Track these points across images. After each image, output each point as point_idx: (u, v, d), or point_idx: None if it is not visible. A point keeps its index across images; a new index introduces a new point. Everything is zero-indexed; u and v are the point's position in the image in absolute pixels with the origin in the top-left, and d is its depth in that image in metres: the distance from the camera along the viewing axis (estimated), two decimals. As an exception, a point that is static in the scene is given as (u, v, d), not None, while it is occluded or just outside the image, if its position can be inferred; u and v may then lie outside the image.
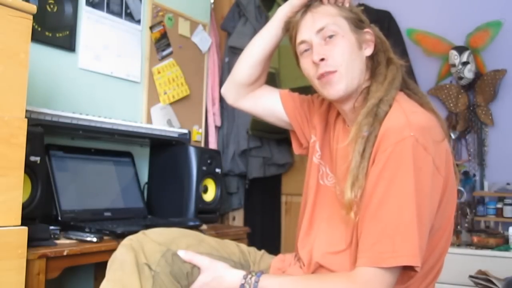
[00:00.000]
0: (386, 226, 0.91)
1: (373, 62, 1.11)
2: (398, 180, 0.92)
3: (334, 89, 1.06)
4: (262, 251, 1.28)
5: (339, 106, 1.13)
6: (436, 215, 0.98)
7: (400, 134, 0.94)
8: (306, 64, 1.10)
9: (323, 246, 1.10)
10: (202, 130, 2.71)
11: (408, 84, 1.11)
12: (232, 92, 1.33)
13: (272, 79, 2.68)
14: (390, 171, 0.93)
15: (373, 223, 0.93)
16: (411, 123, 0.95)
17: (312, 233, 1.16)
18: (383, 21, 3.11)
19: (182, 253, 1.08)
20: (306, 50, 1.10)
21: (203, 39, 2.71)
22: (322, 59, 1.05)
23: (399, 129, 0.94)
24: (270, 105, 1.32)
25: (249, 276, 1.04)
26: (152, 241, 1.08)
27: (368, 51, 1.10)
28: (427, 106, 1.05)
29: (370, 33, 1.11)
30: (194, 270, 1.08)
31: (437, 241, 1.02)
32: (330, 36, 1.06)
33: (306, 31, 1.09)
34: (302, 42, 1.10)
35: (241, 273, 1.06)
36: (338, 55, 1.05)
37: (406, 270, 0.94)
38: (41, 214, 1.45)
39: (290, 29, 1.15)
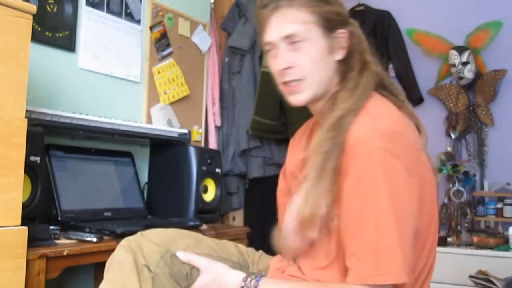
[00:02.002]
0: (367, 244, 0.89)
1: (345, 66, 1.05)
2: (372, 194, 0.89)
3: (297, 99, 1.04)
4: (260, 251, 1.28)
5: (309, 107, 1.11)
6: (418, 218, 0.96)
7: (368, 145, 0.90)
8: (271, 65, 1.06)
9: (308, 261, 1.08)
10: (202, 130, 2.71)
11: (384, 84, 1.06)
12: None
13: (268, 80, 2.68)
14: (362, 185, 0.90)
15: (355, 241, 0.91)
16: (377, 130, 0.91)
17: None
18: (383, 21, 3.11)
19: (180, 254, 1.08)
20: (270, 50, 1.05)
21: (203, 39, 2.71)
22: (288, 68, 1.01)
23: (366, 140, 0.91)
24: None
25: (249, 279, 1.03)
26: (151, 242, 1.07)
27: (340, 55, 1.04)
28: (404, 109, 1.01)
29: (344, 35, 1.04)
30: (193, 271, 1.08)
31: (423, 242, 1.01)
32: (298, 42, 1.00)
33: (273, 33, 1.02)
34: (268, 43, 1.04)
35: (240, 274, 1.05)
36: (305, 64, 1.01)
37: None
38: (41, 214, 1.45)
39: (258, 19, 1.08)
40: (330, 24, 1.02)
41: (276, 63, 1.03)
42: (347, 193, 0.93)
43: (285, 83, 1.03)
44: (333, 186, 0.94)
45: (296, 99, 1.04)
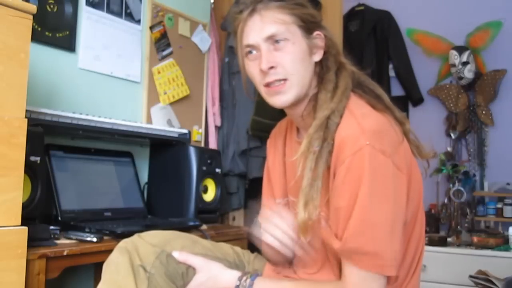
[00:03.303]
0: (364, 241, 0.90)
1: (321, 67, 1.06)
2: (361, 192, 0.90)
3: (281, 100, 1.03)
4: (255, 253, 1.28)
5: (288, 111, 1.11)
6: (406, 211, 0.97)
7: (356, 144, 0.91)
8: (252, 67, 1.06)
9: (300, 268, 1.10)
10: (202, 130, 2.71)
11: (361, 82, 1.06)
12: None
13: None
14: (351, 183, 0.91)
15: (350, 237, 0.92)
16: (364, 129, 0.92)
17: None
18: (383, 21, 3.11)
19: (176, 254, 1.08)
20: (251, 53, 1.04)
21: (203, 39, 2.71)
22: (272, 67, 1.01)
23: (354, 139, 0.92)
24: None
25: (244, 277, 1.04)
26: (147, 243, 1.08)
27: (318, 56, 1.05)
28: (379, 106, 1.01)
29: (320, 37, 1.06)
30: (189, 271, 1.09)
31: (410, 232, 1.03)
32: (280, 42, 1.01)
33: (254, 36, 1.02)
34: (249, 46, 1.04)
35: (236, 273, 1.06)
36: (288, 63, 1.01)
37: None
38: (41, 214, 1.45)
39: (235, 24, 1.08)
40: (307, 26, 1.04)
41: (258, 64, 1.02)
42: (337, 191, 0.93)
43: (268, 84, 1.03)
44: (322, 187, 0.95)
45: (280, 99, 1.04)
